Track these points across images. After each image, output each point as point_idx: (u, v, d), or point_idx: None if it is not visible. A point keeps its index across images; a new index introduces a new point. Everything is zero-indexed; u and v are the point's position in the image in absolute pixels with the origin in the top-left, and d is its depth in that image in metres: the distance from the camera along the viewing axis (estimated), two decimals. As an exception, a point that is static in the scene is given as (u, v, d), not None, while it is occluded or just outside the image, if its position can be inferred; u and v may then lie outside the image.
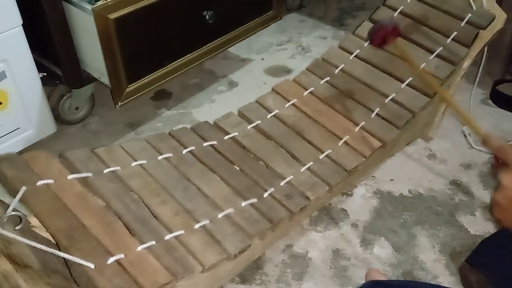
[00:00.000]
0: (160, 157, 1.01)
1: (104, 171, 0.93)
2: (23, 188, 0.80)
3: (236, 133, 1.11)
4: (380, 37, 1.01)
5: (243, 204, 0.95)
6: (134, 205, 0.88)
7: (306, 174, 1.04)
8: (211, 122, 1.15)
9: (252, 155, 1.07)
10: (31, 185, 0.83)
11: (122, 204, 0.88)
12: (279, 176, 1.02)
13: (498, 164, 0.60)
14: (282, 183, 1.00)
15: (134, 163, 0.98)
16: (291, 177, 1.02)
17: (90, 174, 0.91)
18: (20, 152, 1.19)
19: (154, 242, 0.82)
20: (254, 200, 0.96)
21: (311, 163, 1.05)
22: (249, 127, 1.14)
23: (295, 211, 0.95)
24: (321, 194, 1.01)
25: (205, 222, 0.89)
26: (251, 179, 1.01)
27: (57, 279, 0.70)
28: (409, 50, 1.11)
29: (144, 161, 0.99)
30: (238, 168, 1.03)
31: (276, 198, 0.97)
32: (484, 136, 0.64)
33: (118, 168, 0.95)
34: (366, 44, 1.29)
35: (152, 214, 0.88)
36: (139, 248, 0.80)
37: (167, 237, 0.84)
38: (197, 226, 0.88)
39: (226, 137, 1.10)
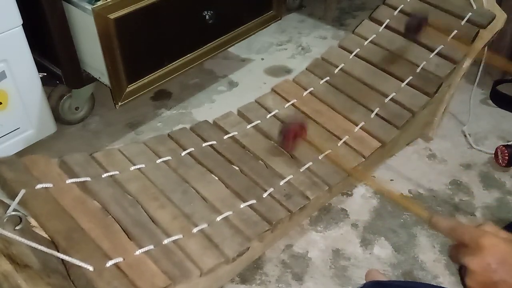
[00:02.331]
0: (158, 161, 1.01)
1: (103, 176, 0.93)
2: (22, 191, 0.80)
3: (236, 133, 1.11)
4: (291, 138, 1.03)
5: (242, 206, 0.94)
6: (132, 209, 0.88)
7: (306, 174, 1.04)
8: (211, 122, 1.15)
9: (251, 155, 1.07)
10: (30, 188, 0.83)
11: (120, 208, 0.88)
12: (278, 175, 1.02)
13: (456, 246, 0.52)
14: (281, 183, 1.00)
15: (132, 167, 0.98)
16: (291, 176, 1.02)
17: (88, 179, 0.91)
18: (20, 152, 1.21)
19: (152, 247, 0.82)
20: (253, 201, 0.95)
21: (311, 163, 1.05)
22: (248, 126, 1.14)
23: (294, 211, 0.95)
24: (321, 194, 1.01)
25: (204, 226, 0.89)
26: (250, 180, 1.01)
27: (57, 279, 0.70)
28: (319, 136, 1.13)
29: (143, 165, 0.99)
30: (237, 168, 1.03)
31: (275, 198, 0.97)
32: (430, 220, 0.57)
33: (117, 172, 0.95)
34: (366, 43, 1.29)
35: (151, 218, 0.88)
36: (138, 252, 0.80)
37: (166, 241, 0.84)
38: (195, 230, 0.88)
39: (225, 137, 1.10)
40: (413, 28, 1.16)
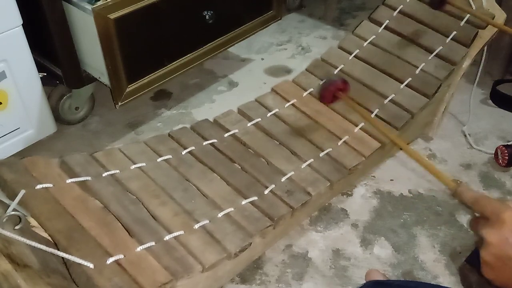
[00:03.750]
0: (159, 159, 1.01)
1: (103, 175, 0.94)
2: (22, 191, 0.81)
3: (236, 130, 1.11)
4: (331, 94, 1.03)
5: (243, 202, 0.95)
6: (133, 207, 0.89)
7: (307, 171, 1.04)
8: (211, 121, 1.15)
9: (252, 152, 1.08)
10: (30, 188, 0.84)
11: (121, 206, 0.88)
12: (279, 172, 1.02)
13: (476, 218, 0.52)
14: (283, 179, 1.01)
15: (133, 166, 0.98)
16: (292, 173, 1.02)
17: (89, 178, 0.91)
18: (20, 152, 1.21)
19: (153, 243, 0.82)
20: (254, 198, 0.96)
21: (312, 160, 1.06)
22: (249, 124, 1.14)
23: (296, 207, 0.96)
24: (322, 190, 1.01)
25: (205, 222, 0.89)
26: (251, 176, 1.01)
27: (56, 279, 0.70)
28: (359, 102, 1.12)
29: (143, 164, 0.99)
30: (238, 166, 1.04)
31: (277, 195, 0.98)
32: (455, 189, 0.57)
33: (117, 171, 0.95)
34: (365, 44, 1.29)
35: (152, 215, 0.88)
36: (139, 248, 0.80)
37: (167, 237, 0.84)
38: (196, 226, 0.88)
39: (226, 135, 1.10)
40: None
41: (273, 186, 0.99)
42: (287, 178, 1.01)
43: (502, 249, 0.47)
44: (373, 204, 1.21)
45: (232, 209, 0.93)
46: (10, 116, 1.17)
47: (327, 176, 1.03)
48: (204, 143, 1.07)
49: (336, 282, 1.04)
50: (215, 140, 1.08)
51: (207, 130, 1.11)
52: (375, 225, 1.16)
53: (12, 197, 0.81)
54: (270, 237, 0.99)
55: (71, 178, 0.90)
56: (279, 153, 1.07)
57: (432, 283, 1.03)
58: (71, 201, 0.85)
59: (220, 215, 0.91)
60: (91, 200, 0.88)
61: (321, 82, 1.07)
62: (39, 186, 0.85)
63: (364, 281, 0.80)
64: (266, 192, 0.98)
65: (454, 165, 1.33)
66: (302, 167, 1.04)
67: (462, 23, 1.23)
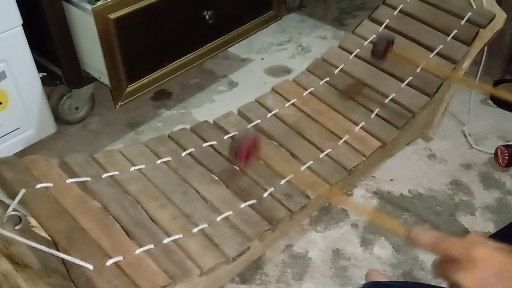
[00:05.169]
0: (158, 161, 1.01)
1: (103, 176, 0.93)
2: (22, 191, 0.80)
3: (236, 133, 1.11)
4: (244, 153, 0.95)
5: (242, 206, 0.94)
6: (132, 209, 0.88)
7: (306, 173, 1.04)
8: (211, 122, 1.15)
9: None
10: (30, 188, 0.83)
11: (120, 208, 0.88)
12: (279, 175, 1.02)
13: (442, 262, 0.45)
14: (282, 182, 1.00)
15: (132, 168, 0.98)
16: (291, 176, 1.02)
17: (88, 179, 0.91)
18: (20, 152, 1.21)
19: (152, 246, 0.82)
20: (253, 201, 0.95)
21: (311, 162, 1.05)
22: (249, 126, 1.14)
23: (295, 210, 0.95)
24: (322, 193, 1.01)
25: (204, 225, 0.88)
26: (250, 179, 1.01)
27: (57, 279, 0.70)
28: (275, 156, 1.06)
29: (143, 166, 0.98)
30: (237, 168, 1.03)
31: (276, 198, 0.97)
32: (409, 235, 0.49)
33: (117, 173, 0.95)
34: (366, 43, 1.29)
35: (151, 218, 0.88)
36: (138, 251, 0.80)
37: (166, 240, 0.84)
38: (195, 230, 0.87)
39: (225, 137, 1.10)
40: (380, 52, 1.08)
41: (272, 189, 0.98)
42: (286, 181, 1.01)
43: None
44: (373, 204, 1.21)
45: (231, 212, 0.92)
46: (10, 116, 1.17)
47: (327, 178, 1.02)
48: (204, 144, 1.07)
49: (336, 282, 1.04)
50: (215, 142, 1.08)
51: (207, 132, 1.11)
52: (375, 225, 1.16)
53: (12, 195, 0.81)
54: (269, 238, 0.99)
55: (71, 178, 0.90)
56: (278, 155, 1.07)
57: (432, 283, 1.02)
58: (71, 201, 0.85)
59: (218, 218, 0.90)
60: (91, 201, 0.88)
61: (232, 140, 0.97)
62: (39, 185, 0.85)
63: (364, 281, 0.80)
64: (265, 195, 0.97)
65: (454, 165, 1.33)
66: (302, 169, 1.04)
67: (463, 22, 1.23)
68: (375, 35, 1.27)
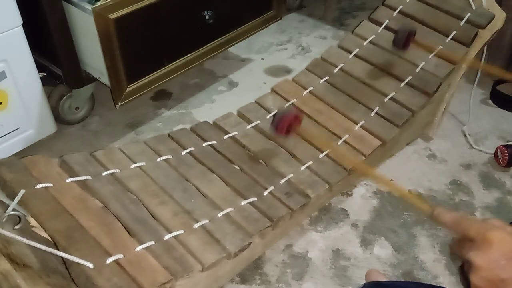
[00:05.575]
0: (159, 159, 1.01)
1: (103, 174, 0.94)
2: (22, 191, 0.80)
3: (236, 133, 1.11)
4: (286, 126, 0.98)
5: (243, 203, 0.95)
6: (133, 206, 0.88)
7: (306, 173, 1.04)
8: (211, 122, 1.15)
9: (252, 154, 1.08)
10: (29, 188, 0.83)
11: (121, 206, 0.88)
12: (279, 174, 1.02)
13: (459, 241, 0.48)
14: (282, 182, 1.00)
15: (133, 165, 0.98)
16: (291, 175, 1.02)
17: (89, 177, 0.91)
18: (20, 152, 1.21)
19: (153, 242, 0.82)
20: (254, 199, 0.96)
21: (311, 162, 1.05)
22: (248, 127, 1.14)
23: (295, 208, 0.96)
24: (321, 193, 1.01)
25: (205, 221, 0.89)
26: (250, 178, 1.01)
27: (56, 279, 0.70)
28: (315, 132, 1.10)
29: (143, 163, 0.99)
30: (237, 167, 1.04)
31: (276, 196, 0.97)
32: (432, 213, 0.53)
33: (117, 170, 0.95)
34: (365, 43, 1.29)
35: (151, 215, 0.88)
36: (138, 248, 0.80)
37: (166, 237, 0.84)
38: (196, 225, 0.88)
39: (225, 137, 1.10)
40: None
41: (272, 187, 0.99)
42: (286, 181, 1.01)
43: (493, 272, 0.44)
44: (373, 204, 1.21)
45: (231, 209, 0.93)
46: (10, 116, 1.17)
47: (326, 178, 1.02)
48: (204, 144, 1.07)
49: (336, 282, 1.04)
50: (215, 142, 1.08)
51: (207, 132, 1.11)
52: (375, 225, 1.16)
53: (12, 196, 0.81)
54: (269, 237, 0.99)
55: (71, 177, 0.90)
56: (278, 155, 1.07)
57: (432, 283, 1.02)
58: (70, 201, 0.85)
59: (219, 215, 0.91)
60: (91, 200, 0.88)
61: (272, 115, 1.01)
62: (39, 186, 0.85)
63: (364, 281, 0.80)
64: (265, 193, 0.98)
65: (454, 165, 1.33)
66: (301, 169, 1.04)
67: (462, 23, 1.23)
68: (377, 33, 1.27)
